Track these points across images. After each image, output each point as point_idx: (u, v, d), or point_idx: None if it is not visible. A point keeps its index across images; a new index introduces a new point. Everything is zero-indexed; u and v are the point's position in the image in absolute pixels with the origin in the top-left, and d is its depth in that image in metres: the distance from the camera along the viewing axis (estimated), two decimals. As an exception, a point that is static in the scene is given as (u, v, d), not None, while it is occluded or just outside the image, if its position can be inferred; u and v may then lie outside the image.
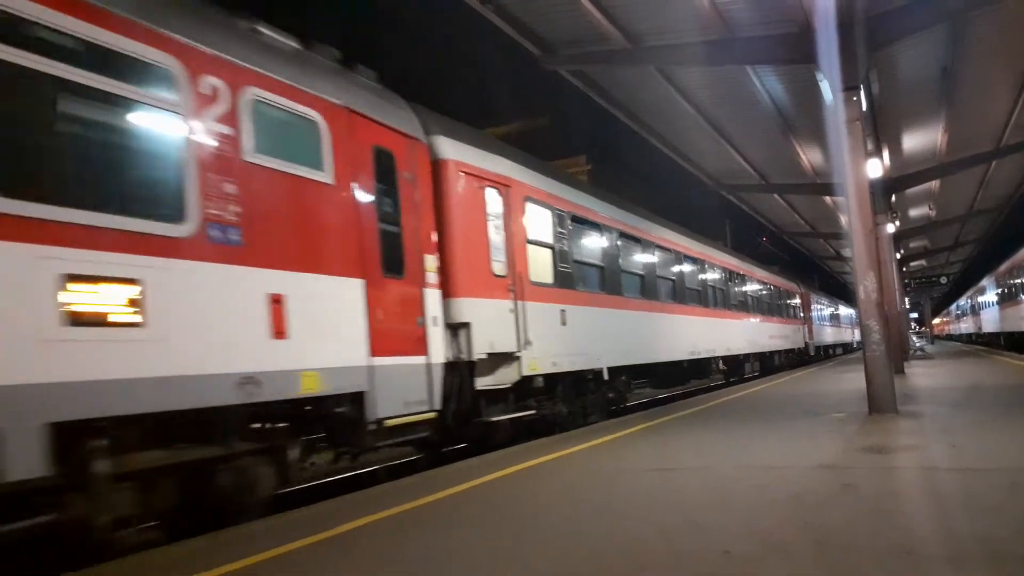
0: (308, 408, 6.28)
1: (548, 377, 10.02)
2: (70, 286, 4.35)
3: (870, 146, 16.42)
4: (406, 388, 7.18)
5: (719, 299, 20.02)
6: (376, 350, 6.78)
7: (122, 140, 5.01)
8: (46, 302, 4.23)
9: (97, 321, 4.51)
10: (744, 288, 23.03)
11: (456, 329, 8.23)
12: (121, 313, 4.65)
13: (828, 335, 40.84)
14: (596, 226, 12.45)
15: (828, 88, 10.16)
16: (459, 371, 8.26)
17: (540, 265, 10.27)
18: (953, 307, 79.95)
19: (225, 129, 5.58)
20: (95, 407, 4.44)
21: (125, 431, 4.76)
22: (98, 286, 4.53)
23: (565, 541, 4.13)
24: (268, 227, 5.81)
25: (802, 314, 32.78)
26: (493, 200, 9.27)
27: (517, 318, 9.31)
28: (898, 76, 14.90)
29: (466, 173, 8.73)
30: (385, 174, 7.32)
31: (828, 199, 26.31)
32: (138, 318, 4.72)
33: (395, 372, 7.04)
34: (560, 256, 10.82)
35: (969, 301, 55.26)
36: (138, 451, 4.94)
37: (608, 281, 12.65)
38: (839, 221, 30.46)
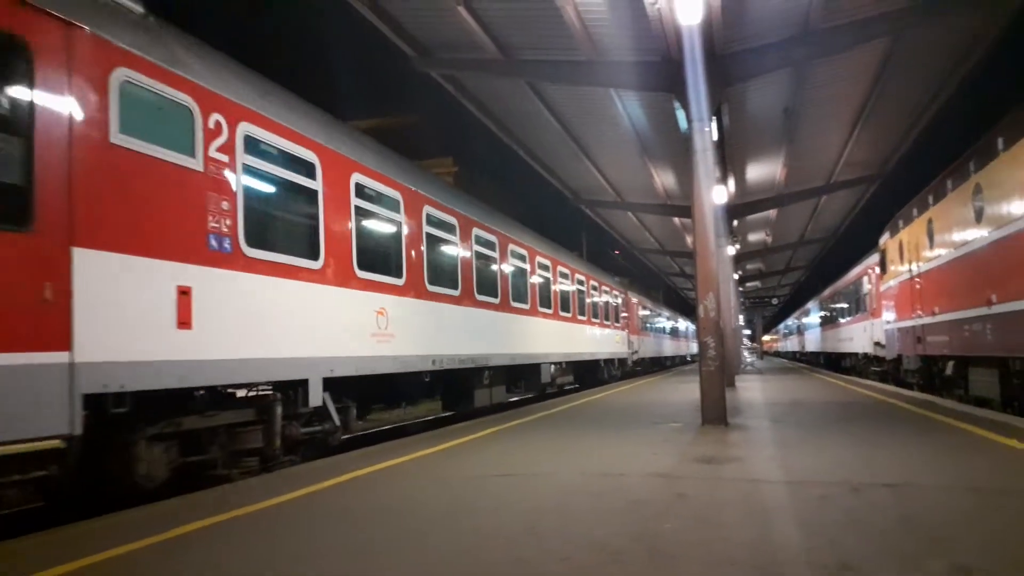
0: None
1: None
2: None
3: (717, 173, 17.51)
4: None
5: (674, 333, 49.34)
6: None
7: None
8: None
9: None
10: (678, 325, 52.18)
11: None
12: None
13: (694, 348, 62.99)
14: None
15: (683, 117, 10.77)
16: None
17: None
18: (781, 327, 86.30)
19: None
20: None
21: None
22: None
23: (408, 549, 4.15)
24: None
25: (685, 337, 56.90)
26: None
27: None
28: (746, 112, 16.00)
29: None
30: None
31: (676, 220, 27.76)
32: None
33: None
34: None
35: (796, 322, 59.95)
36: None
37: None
38: (685, 240, 32.23)
